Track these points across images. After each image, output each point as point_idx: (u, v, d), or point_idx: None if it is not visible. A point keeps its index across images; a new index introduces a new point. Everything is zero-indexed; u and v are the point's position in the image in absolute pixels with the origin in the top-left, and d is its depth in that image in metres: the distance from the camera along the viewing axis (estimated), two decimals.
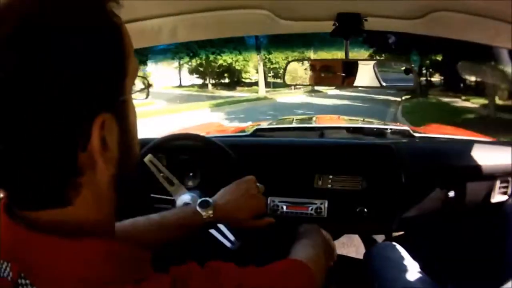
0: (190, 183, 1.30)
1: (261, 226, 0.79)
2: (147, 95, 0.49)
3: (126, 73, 0.39)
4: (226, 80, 22.88)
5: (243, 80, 24.63)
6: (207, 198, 0.76)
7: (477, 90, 11.95)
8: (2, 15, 0.35)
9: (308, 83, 1.17)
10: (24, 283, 0.35)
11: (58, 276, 0.35)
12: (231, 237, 0.95)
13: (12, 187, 0.37)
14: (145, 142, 1.21)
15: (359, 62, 1.07)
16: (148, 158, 0.94)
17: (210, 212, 0.74)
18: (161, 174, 0.99)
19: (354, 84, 1.08)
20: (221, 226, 0.96)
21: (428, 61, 14.88)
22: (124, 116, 0.40)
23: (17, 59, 0.33)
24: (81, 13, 0.36)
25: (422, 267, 1.03)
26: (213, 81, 22.41)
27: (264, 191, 0.82)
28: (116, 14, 0.39)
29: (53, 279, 0.35)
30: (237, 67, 20.75)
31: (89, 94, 0.35)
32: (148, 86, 0.49)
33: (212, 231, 0.95)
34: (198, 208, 0.74)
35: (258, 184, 0.81)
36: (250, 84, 24.60)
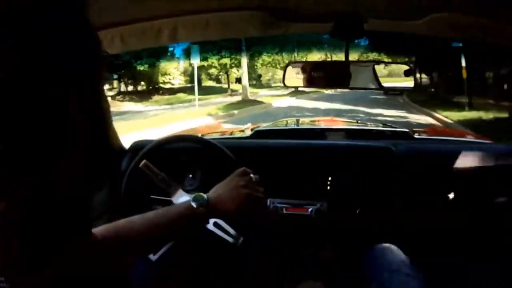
0: (189, 185, 1.30)
1: (255, 217, 0.79)
2: (119, 88, 0.55)
3: (98, 60, 0.44)
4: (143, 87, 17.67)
5: (161, 85, 19.67)
6: (201, 193, 0.77)
7: None
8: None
9: (306, 85, 1.17)
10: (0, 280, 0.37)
11: (26, 275, 0.37)
12: (233, 233, 0.95)
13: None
14: (141, 145, 1.21)
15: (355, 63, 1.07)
16: (143, 163, 0.93)
17: (204, 206, 0.74)
18: (159, 177, 0.99)
19: (354, 86, 1.08)
20: (222, 223, 0.95)
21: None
22: (97, 97, 0.44)
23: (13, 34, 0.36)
24: (69, 15, 0.40)
25: (421, 270, 1.03)
26: (125, 89, 17.52)
27: (264, 192, 0.82)
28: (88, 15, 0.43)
29: (21, 277, 0.37)
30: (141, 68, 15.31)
31: (67, 71, 0.39)
32: (119, 79, 0.54)
33: (214, 229, 0.95)
34: (192, 203, 0.74)
35: (251, 175, 0.81)
36: (173, 91, 18.85)
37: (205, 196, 0.76)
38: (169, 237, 0.74)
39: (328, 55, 21.54)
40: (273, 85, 29.31)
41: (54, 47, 0.37)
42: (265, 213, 0.82)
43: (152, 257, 0.93)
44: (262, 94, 20.06)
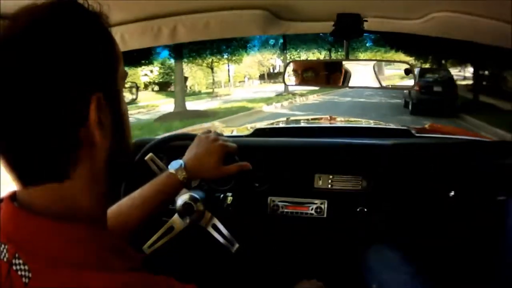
0: (191, 183, 1.30)
1: (237, 170, 0.82)
2: (136, 97, 0.59)
3: (117, 67, 0.45)
4: None
5: None
6: (177, 160, 0.79)
7: None
8: (15, 20, 0.39)
9: (306, 84, 1.17)
10: (18, 262, 0.37)
11: (48, 257, 0.37)
12: (230, 238, 0.95)
13: (18, 159, 0.40)
14: (145, 142, 1.21)
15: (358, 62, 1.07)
16: (149, 156, 0.94)
17: (183, 169, 0.77)
18: (163, 171, 0.99)
19: (354, 85, 1.08)
20: (220, 226, 0.95)
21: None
22: (116, 102, 0.45)
23: (29, 52, 0.37)
24: (82, 21, 0.42)
25: (421, 269, 1.03)
26: None
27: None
28: (106, 24, 0.45)
29: (43, 260, 0.37)
30: None
31: (87, 78, 0.40)
32: (137, 87, 0.58)
33: (212, 231, 0.95)
34: (170, 170, 0.77)
35: (214, 131, 0.85)
36: None
37: (180, 160, 0.79)
38: (161, 205, 0.77)
39: (265, 56, 20.18)
40: (204, 91, 23.58)
41: (75, 53, 0.39)
42: (240, 166, 0.83)
43: (147, 250, 0.93)
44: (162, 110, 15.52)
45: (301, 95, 17.21)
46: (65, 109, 0.39)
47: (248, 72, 29.27)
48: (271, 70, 30.34)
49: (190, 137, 1.23)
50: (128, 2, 0.83)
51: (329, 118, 2.26)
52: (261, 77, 30.87)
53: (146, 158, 0.96)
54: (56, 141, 0.39)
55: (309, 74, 1.14)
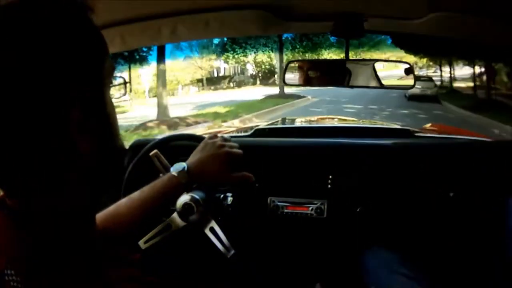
0: (192, 186, 1.30)
1: (239, 179, 0.80)
2: (125, 92, 0.57)
3: (102, 63, 0.42)
4: None
5: None
6: (181, 162, 0.78)
7: None
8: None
9: (306, 84, 1.17)
10: (10, 273, 0.37)
11: (35, 267, 0.37)
12: (226, 243, 0.94)
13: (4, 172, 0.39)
14: (145, 142, 1.21)
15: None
16: (154, 153, 0.94)
17: (185, 173, 0.76)
18: (167, 170, 0.98)
19: (354, 84, 1.08)
20: (218, 230, 0.95)
21: None
22: (102, 102, 0.43)
23: (14, 55, 0.35)
24: (68, 19, 0.39)
25: (420, 270, 1.03)
26: None
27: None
28: (93, 21, 0.42)
29: (31, 269, 0.37)
30: None
31: (69, 76, 0.38)
32: (125, 82, 0.56)
33: (209, 234, 0.95)
34: (173, 172, 0.76)
35: (221, 135, 0.84)
36: None
37: (183, 163, 0.77)
38: (161, 207, 0.77)
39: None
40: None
41: (59, 51, 0.37)
42: (245, 175, 0.82)
43: (143, 245, 0.93)
44: None
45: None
46: (45, 113, 0.37)
47: (177, 77, 21.42)
48: (214, 74, 22.94)
49: (196, 138, 1.23)
50: (128, 2, 0.83)
51: (329, 118, 2.26)
52: (201, 82, 22.49)
53: (151, 154, 0.95)
54: (38, 149, 0.37)
55: (308, 73, 1.14)
